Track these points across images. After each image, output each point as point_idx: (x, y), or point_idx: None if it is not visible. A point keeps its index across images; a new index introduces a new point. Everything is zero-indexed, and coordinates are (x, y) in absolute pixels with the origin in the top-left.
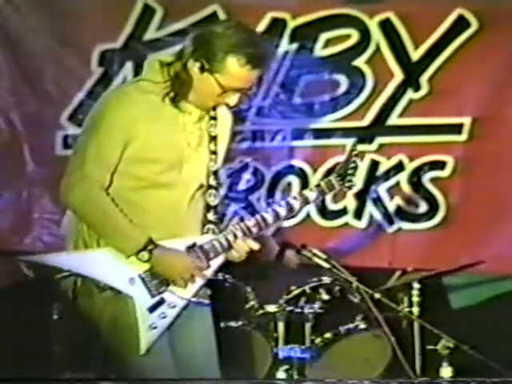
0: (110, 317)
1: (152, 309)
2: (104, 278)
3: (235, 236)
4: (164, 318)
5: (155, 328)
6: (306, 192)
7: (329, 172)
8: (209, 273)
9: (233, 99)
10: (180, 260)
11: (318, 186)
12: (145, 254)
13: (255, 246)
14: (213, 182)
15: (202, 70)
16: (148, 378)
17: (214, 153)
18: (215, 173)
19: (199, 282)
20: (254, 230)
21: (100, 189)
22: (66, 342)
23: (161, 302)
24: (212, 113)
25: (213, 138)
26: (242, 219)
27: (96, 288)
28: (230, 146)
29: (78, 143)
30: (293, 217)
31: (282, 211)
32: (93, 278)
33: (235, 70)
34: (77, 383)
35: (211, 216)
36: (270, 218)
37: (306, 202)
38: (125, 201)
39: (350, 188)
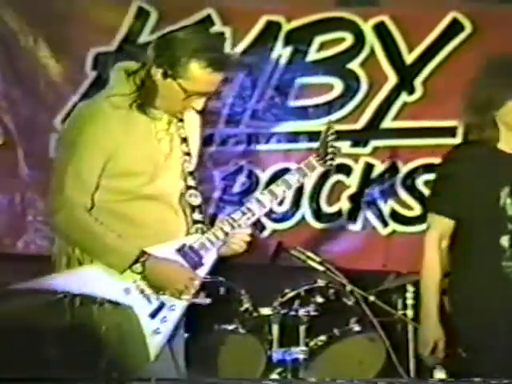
0: (114, 329)
1: (153, 315)
2: (100, 293)
3: (223, 230)
4: (166, 321)
5: (160, 333)
6: (287, 176)
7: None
8: (203, 271)
9: (199, 103)
10: (173, 270)
11: (299, 168)
12: (138, 267)
13: (248, 231)
14: (191, 182)
15: (165, 75)
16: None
17: (188, 154)
18: (191, 173)
19: (196, 284)
20: (241, 221)
21: (83, 211)
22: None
23: (161, 307)
24: (179, 115)
25: (184, 140)
26: (228, 214)
27: (94, 304)
28: (202, 148)
29: (56, 163)
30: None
31: (265, 198)
32: (89, 294)
33: (197, 74)
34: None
35: (197, 216)
36: (254, 207)
37: (288, 185)
38: (111, 215)
39: (330, 166)
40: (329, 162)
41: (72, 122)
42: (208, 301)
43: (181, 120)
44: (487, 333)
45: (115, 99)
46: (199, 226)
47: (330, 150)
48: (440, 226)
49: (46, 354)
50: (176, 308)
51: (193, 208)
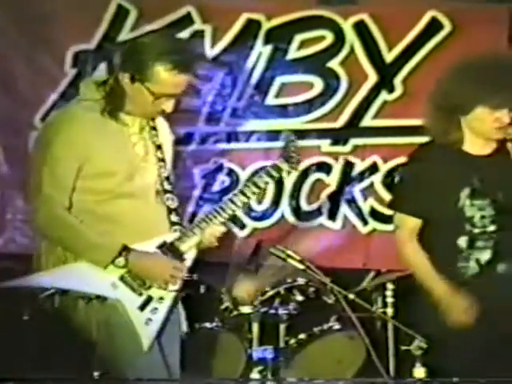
0: (102, 325)
1: (142, 307)
2: (87, 288)
3: (200, 228)
4: (157, 312)
5: (151, 322)
6: (256, 178)
7: (303, 172)
8: (185, 267)
9: (168, 105)
10: (157, 261)
11: (267, 170)
12: (121, 260)
13: (221, 229)
14: (167, 187)
15: (133, 80)
16: (142, 377)
17: (163, 160)
18: (167, 178)
19: (181, 275)
20: (216, 220)
21: (62, 209)
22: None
23: (149, 300)
24: (151, 123)
25: (158, 147)
26: (204, 213)
27: (81, 300)
28: (174, 154)
29: (32, 163)
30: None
31: (236, 199)
32: (76, 290)
33: (163, 77)
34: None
35: (174, 218)
36: (228, 206)
37: (257, 186)
38: (90, 215)
39: (295, 169)
40: (294, 165)
41: (46, 125)
42: (195, 276)
43: (154, 128)
44: (449, 333)
45: (87, 103)
46: (177, 227)
47: (292, 154)
48: (409, 225)
49: (32, 351)
50: (165, 299)
51: (170, 210)
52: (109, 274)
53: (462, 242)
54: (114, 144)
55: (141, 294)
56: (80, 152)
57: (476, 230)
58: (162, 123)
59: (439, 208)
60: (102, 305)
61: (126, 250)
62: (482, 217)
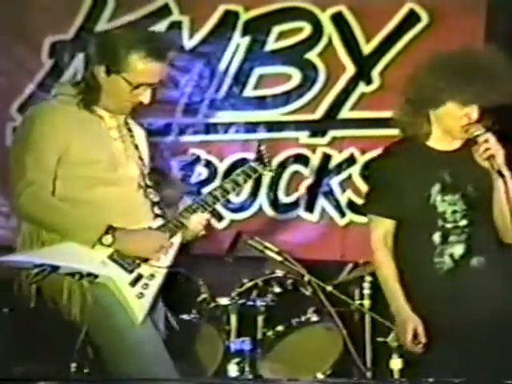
0: (93, 303)
1: (133, 283)
2: (77, 267)
3: (184, 217)
4: (148, 287)
5: (143, 296)
6: (234, 176)
7: (281, 164)
8: (170, 253)
9: (145, 96)
10: (144, 235)
11: (243, 170)
12: (108, 238)
13: (206, 216)
14: (149, 182)
15: (109, 72)
16: (140, 350)
17: (141, 158)
18: (148, 174)
19: (171, 252)
20: (198, 211)
21: (46, 192)
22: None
23: (139, 277)
24: (128, 125)
25: (136, 147)
26: (187, 205)
27: (71, 277)
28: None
29: (13, 157)
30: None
31: (217, 193)
32: (67, 266)
33: (138, 65)
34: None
35: (157, 210)
36: (208, 199)
37: (236, 183)
38: (76, 201)
39: (270, 171)
40: (268, 168)
41: (26, 117)
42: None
43: (130, 130)
44: (430, 329)
45: (63, 98)
46: (160, 219)
47: (266, 160)
48: (382, 227)
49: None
50: (155, 276)
51: (153, 203)
52: (97, 253)
53: (436, 237)
54: (94, 135)
55: (131, 272)
56: (61, 140)
57: (448, 225)
58: (138, 128)
59: (411, 205)
60: (93, 285)
61: (111, 228)
62: (454, 211)
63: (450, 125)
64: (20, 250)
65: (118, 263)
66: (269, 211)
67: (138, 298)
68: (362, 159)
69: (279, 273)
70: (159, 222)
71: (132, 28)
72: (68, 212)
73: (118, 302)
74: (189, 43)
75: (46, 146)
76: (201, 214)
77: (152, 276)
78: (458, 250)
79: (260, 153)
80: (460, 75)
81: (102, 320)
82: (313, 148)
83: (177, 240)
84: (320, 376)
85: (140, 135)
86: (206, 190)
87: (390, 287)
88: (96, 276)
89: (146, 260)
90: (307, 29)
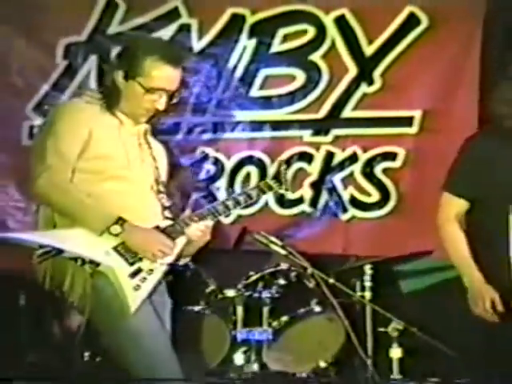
0: (93, 290)
1: (133, 275)
2: (81, 253)
3: (192, 220)
4: (146, 281)
5: (139, 288)
6: (249, 190)
7: (286, 162)
8: (176, 250)
9: (161, 103)
10: (149, 234)
11: (259, 186)
12: (117, 227)
13: (208, 224)
14: (162, 189)
15: (127, 77)
16: (140, 342)
17: (157, 168)
18: (163, 182)
19: (175, 251)
20: (207, 218)
21: (63, 177)
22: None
23: (139, 270)
24: (147, 139)
25: (154, 158)
26: (197, 212)
27: (75, 262)
28: (168, 175)
29: (36, 145)
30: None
31: (231, 204)
32: (72, 252)
33: (152, 69)
34: None
35: (167, 214)
36: (220, 209)
37: (249, 197)
38: (90, 193)
39: (286, 190)
40: (284, 187)
41: (52, 110)
42: (187, 259)
43: (148, 143)
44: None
45: (88, 98)
46: (169, 221)
47: (283, 180)
48: (456, 206)
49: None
50: (154, 272)
51: (164, 207)
52: (103, 242)
53: None
54: (112, 134)
55: (132, 264)
56: (83, 136)
57: None
58: (156, 144)
59: (499, 190)
60: (94, 272)
61: (121, 219)
62: None
63: None
64: (32, 230)
65: (120, 255)
66: (275, 207)
67: (135, 290)
68: (364, 157)
69: (284, 266)
70: (168, 222)
71: (150, 37)
72: (81, 199)
73: (115, 293)
74: (197, 45)
75: (68, 138)
76: (203, 222)
77: (151, 271)
78: None
79: (279, 172)
80: None
81: (101, 308)
82: (316, 146)
83: (182, 240)
84: (323, 364)
85: (159, 150)
86: (213, 186)
87: (463, 259)
88: (98, 264)
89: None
90: (311, 31)
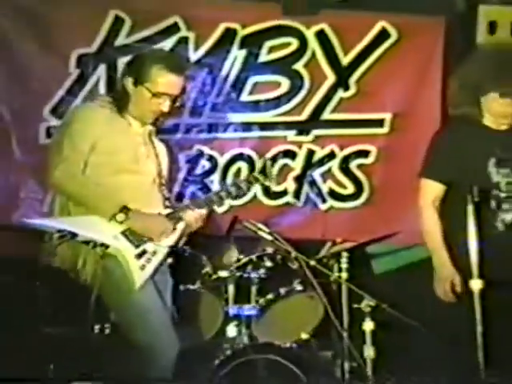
0: (103, 270)
1: (138, 256)
2: (93, 236)
3: (189, 208)
4: (150, 262)
5: (144, 268)
6: (239, 182)
7: (272, 158)
8: (176, 234)
9: (165, 105)
10: (154, 217)
11: (247, 179)
12: (122, 215)
13: (202, 212)
14: (163, 182)
15: (136, 83)
16: (144, 317)
17: (159, 164)
18: (164, 177)
19: (175, 235)
20: (203, 207)
21: (77, 168)
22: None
23: (144, 252)
24: (151, 139)
25: (156, 156)
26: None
27: (86, 245)
28: (170, 174)
29: (55, 140)
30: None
31: (224, 196)
32: (84, 236)
33: (157, 76)
34: None
35: (167, 203)
36: (215, 199)
37: (240, 188)
38: (101, 184)
39: (270, 182)
40: (268, 179)
41: (69, 113)
42: (188, 250)
43: (153, 142)
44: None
45: (100, 102)
46: (169, 209)
47: (268, 173)
48: (433, 190)
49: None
50: (157, 253)
51: (165, 198)
52: (112, 228)
53: (492, 204)
54: (122, 133)
55: (138, 247)
56: (95, 133)
57: (502, 195)
58: (159, 144)
59: (469, 174)
60: (104, 254)
61: (126, 208)
62: (508, 183)
63: (493, 111)
64: (49, 217)
65: (127, 238)
66: (262, 198)
67: (141, 270)
68: (340, 154)
69: (270, 250)
70: (168, 211)
71: (156, 48)
72: (93, 188)
73: (124, 273)
74: (194, 56)
75: (82, 134)
76: (199, 210)
77: (154, 252)
78: (510, 216)
79: (265, 167)
80: (504, 70)
81: (111, 287)
82: (299, 145)
83: (181, 226)
84: (304, 336)
85: (161, 149)
86: (207, 180)
87: (434, 242)
88: (107, 246)
89: (151, 239)
90: (294, 43)
